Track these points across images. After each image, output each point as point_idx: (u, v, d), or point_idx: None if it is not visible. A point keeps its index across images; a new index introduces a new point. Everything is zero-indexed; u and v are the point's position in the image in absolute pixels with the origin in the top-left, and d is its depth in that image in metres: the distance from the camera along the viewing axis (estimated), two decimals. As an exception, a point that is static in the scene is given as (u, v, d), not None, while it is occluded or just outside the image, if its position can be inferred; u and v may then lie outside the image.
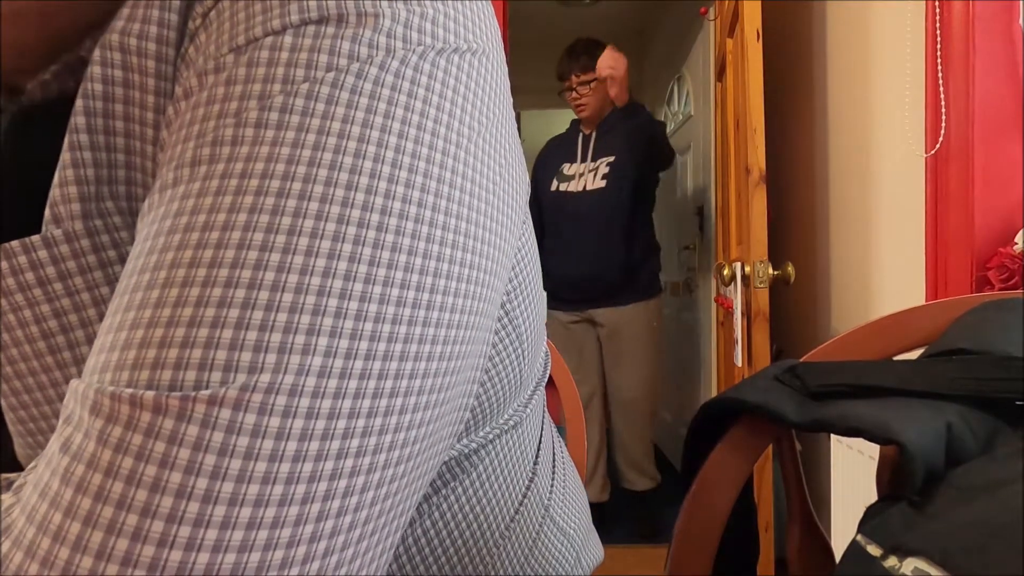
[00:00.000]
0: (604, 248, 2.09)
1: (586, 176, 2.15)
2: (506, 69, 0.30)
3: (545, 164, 2.29)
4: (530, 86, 3.92)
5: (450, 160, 0.25)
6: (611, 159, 2.12)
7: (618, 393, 2.21)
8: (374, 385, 0.22)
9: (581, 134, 2.23)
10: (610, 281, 2.09)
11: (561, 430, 0.93)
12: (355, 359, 0.21)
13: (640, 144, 2.07)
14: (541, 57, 3.69)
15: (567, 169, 2.20)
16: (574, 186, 2.16)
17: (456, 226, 0.24)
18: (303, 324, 0.20)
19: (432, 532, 0.33)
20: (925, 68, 1.22)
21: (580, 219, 2.11)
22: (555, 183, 2.20)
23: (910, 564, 0.28)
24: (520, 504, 0.37)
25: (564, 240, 2.14)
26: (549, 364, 0.44)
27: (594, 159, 2.16)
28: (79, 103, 0.26)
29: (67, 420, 0.21)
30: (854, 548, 0.33)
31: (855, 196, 1.54)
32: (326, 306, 0.21)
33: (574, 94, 2.17)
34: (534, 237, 0.37)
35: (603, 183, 2.10)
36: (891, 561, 0.30)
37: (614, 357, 2.19)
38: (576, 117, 2.24)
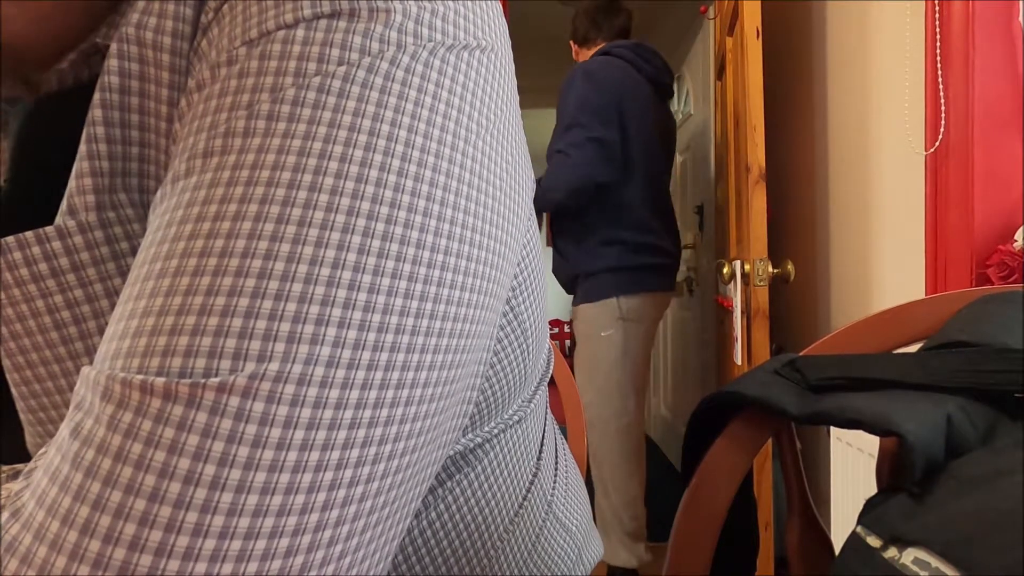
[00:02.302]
0: (562, 242, 1.75)
1: None
2: (513, 67, 0.31)
3: None
4: (530, 85, 3.92)
5: (458, 155, 0.25)
6: None
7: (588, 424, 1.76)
8: (381, 376, 0.22)
9: None
10: (564, 282, 1.78)
11: (562, 429, 0.93)
12: (363, 350, 0.21)
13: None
14: (541, 57, 3.69)
15: None
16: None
17: (464, 221, 0.25)
18: (312, 314, 0.21)
19: (437, 525, 0.33)
20: (925, 66, 1.22)
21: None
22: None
23: (910, 554, 0.28)
24: (524, 500, 0.37)
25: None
26: (552, 362, 0.44)
27: None
28: (97, 96, 0.26)
29: (78, 406, 0.21)
30: (854, 540, 0.33)
31: (855, 194, 1.55)
32: (335, 297, 0.21)
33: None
34: (539, 235, 0.37)
35: None
36: (891, 552, 0.30)
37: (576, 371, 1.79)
38: None
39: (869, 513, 0.34)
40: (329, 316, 0.21)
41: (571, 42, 1.89)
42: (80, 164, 0.26)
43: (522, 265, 0.33)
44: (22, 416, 0.29)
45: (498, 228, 0.27)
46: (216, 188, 0.22)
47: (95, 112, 0.26)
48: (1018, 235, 1.07)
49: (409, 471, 0.24)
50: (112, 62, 0.26)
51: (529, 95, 4.00)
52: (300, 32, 0.23)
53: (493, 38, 0.28)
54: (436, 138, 0.24)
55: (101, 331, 0.27)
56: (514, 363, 0.34)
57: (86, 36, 0.29)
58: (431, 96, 0.24)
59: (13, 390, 0.28)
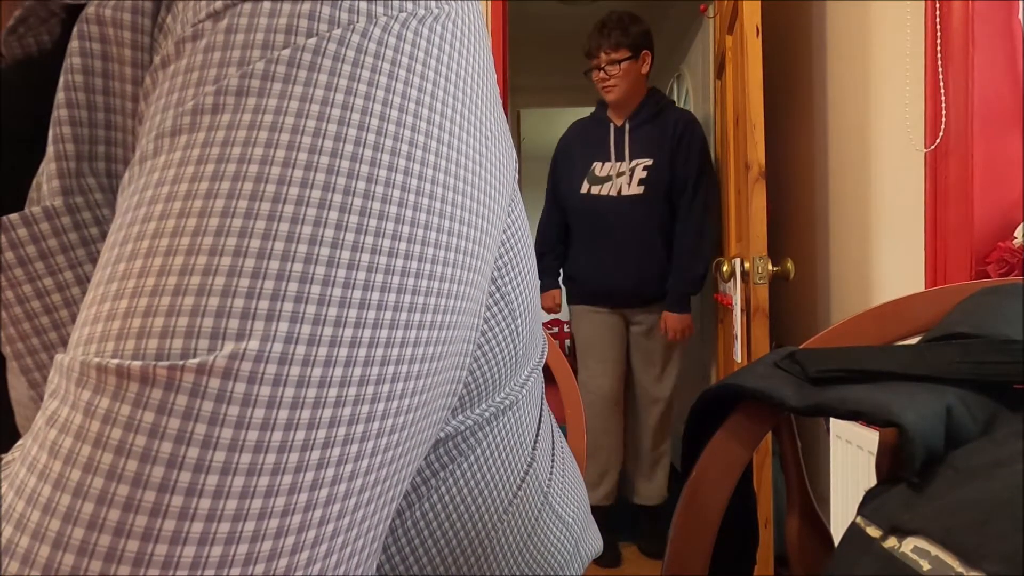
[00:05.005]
0: (643, 260, 1.96)
1: (622, 179, 1.98)
2: (486, 33, 0.30)
3: (571, 157, 2.08)
4: (530, 85, 3.92)
5: (435, 129, 0.24)
6: (648, 163, 1.96)
7: (644, 391, 2.08)
8: (364, 353, 0.21)
9: (611, 125, 2.04)
10: (648, 292, 1.98)
11: (563, 428, 0.94)
12: (344, 327, 0.21)
13: (691, 169, 1.93)
14: (541, 57, 3.69)
15: (599, 169, 2.02)
16: (608, 189, 1.99)
17: (443, 195, 0.24)
18: (291, 291, 0.20)
19: (431, 516, 0.32)
20: (925, 63, 1.22)
21: (614, 227, 1.97)
22: (586, 184, 2.02)
23: (910, 543, 0.28)
24: (519, 489, 0.37)
25: (597, 248, 2.01)
26: (546, 350, 0.44)
27: (629, 160, 1.99)
28: (61, 79, 0.25)
29: (52, 394, 0.21)
30: (853, 530, 0.32)
31: (855, 192, 1.54)
32: (314, 273, 0.20)
33: (602, 74, 1.96)
34: (525, 217, 0.36)
35: (640, 189, 1.95)
36: (891, 542, 0.29)
37: (644, 358, 2.07)
38: (603, 100, 2.05)
39: (868, 504, 0.34)
40: (308, 293, 0.20)
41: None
42: (48, 149, 0.25)
43: (507, 246, 0.33)
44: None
45: (479, 203, 0.26)
46: (186, 167, 0.21)
47: (59, 95, 0.25)
48: (1018, 232, 1.06)
49: (399, 449, 0.24)
50: (74, 43, 0.25)
51: (529, 95, 3.99)
52: (267, 4, 0.22)
53: (467, 9, 0.27)
54: (412, 112, 0.24)
55: (74, 320, 0.26)
56: (504, 344, 0.33)
57: None
58: (405, 70, 0.24)
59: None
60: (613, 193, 1.97)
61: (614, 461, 2.09)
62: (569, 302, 2.14)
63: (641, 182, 1.95)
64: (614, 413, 2.06)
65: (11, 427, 0.30)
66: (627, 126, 2.01)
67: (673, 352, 2.06)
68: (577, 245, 2.07)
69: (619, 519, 2.12)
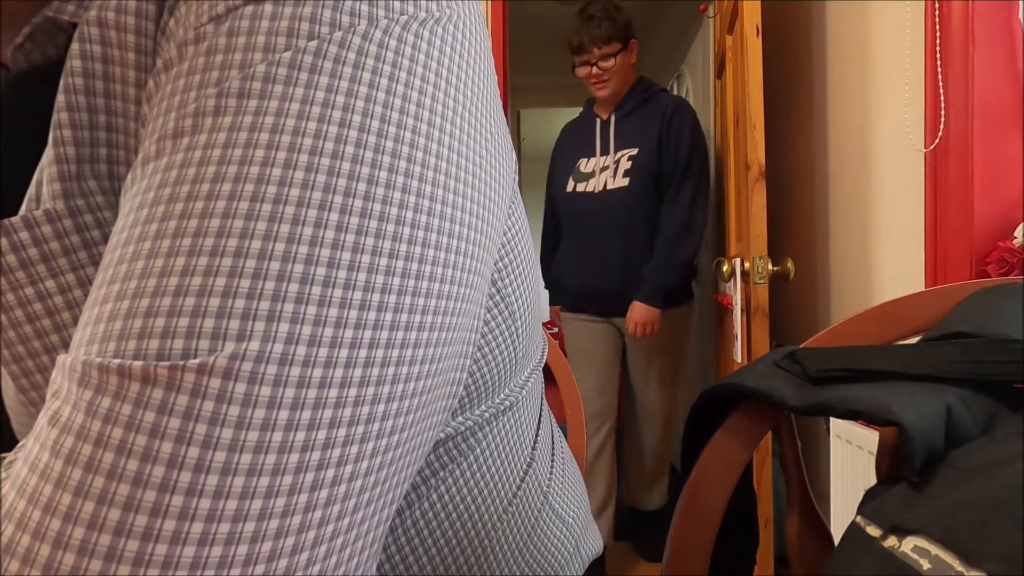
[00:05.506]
0: (628, 258, 1.80)
1: (606, 173, 1.85)
2: (487, 36, 0.30)
3: (561, 157, 2.00)
4: (530, 85, 3.93)
5: (435, 131, 0.24)
6: (633, 152, 1.81)
7: (642, 404, 1.98)
8: (365, 354, 0.21)
9: (597, 120, 1.92)
10: (634, 295, 1.80)
11: (563, 428, 0.94)
12: (345, 328, 0.21)
13: (681, 155, 1.77)
14: (541, 57, 3.69)
15: (583, 165, 1.91)
16: (593, 185, 1.86)
17: (443, 197, 0.24)
18: (291, 292, 0.20)
19: (430, 515, 0.32)
20: (924, 63, 1.22)
21: (598, 225, 1.83)
22: (571, 182, 1.90)
23: (910, 543, 0.28)
24: (518, 489, 0.37)
25: (581, 247, 1.87)
26: (546, 351, 0.44)
27: (615, 152, 1.86)
28: (62, 82, 0.26)
29: (55, 394, 0.21)
30: (853, 529, 0.32)
31: (855, 192, 1.54)
32: (314, 274, 0.21)
33: (595, 70, 1.81)
34: (525, 218, 0.37)
35: (626, 181, 1.80)
36: (891, 541, 0.29)
37: (638, 366, 1.95)
38: (592, 97, 1.92)
39: (868, 503, 0.34)
40: (309, 294, 0.20)
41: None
42: (48, 152, 0.26)
43: (507, 248, 0.33)
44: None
45: (479, 205, 0.27)
46: (188, 168, 0.21)
47: (59, 98, 0.25)
48: (1018, 231, 1.06)
49: (399, 450, 0.24)
50: (74, 46, 0.25)
51: (529, 95, 4.00)
52: (268, 6, 0.22)
53: (468, 11, 0.28)
54: (412, 113, 0.24)
55: (76, 322, 0.26)
56: (504, 345, 0.33)
57: (40, 8, 0.28)
58: (405, 72, 0.24)
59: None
60: (598, 189, 1.85)
61: (610, 498, 1.97)
62: (562, 310, 2.03)
63: (626, 173, 1.80)
64: (600, 431, 1.91)
65: (12, 428, 0.30)
66: (612, 118, 1.89)
67: (669, 365, 1.93)
68: (563, 247, 1.94)
69: (618, 522, 2.09)
